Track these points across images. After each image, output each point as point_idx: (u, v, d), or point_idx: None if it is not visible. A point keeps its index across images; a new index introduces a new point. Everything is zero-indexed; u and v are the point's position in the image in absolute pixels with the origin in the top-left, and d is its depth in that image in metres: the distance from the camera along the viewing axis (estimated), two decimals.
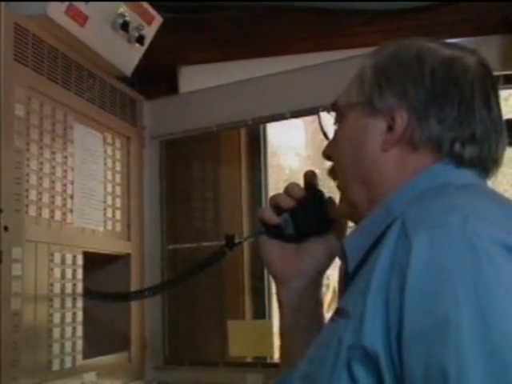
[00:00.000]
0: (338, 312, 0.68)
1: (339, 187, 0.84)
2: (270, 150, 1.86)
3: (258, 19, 1.73)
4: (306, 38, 1.73)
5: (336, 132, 0.83)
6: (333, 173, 0.85)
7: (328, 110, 0.84)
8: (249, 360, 1.60)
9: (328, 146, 0.85)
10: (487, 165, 0.74)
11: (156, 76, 1.81)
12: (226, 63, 1.80)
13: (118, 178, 1.54)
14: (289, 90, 1.52)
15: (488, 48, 1.39)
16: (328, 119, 0.84)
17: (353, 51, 1.49)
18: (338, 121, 0.82)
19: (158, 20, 1.52)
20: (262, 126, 1.79)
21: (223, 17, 1.74)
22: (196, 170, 1.81)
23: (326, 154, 0.85)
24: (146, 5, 1.47)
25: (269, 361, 1.54)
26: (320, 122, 0.85)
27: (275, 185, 1.90)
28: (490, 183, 0.79)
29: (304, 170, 0.93)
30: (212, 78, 1.74)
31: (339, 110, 0.81)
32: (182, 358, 1.63)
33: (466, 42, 1.49)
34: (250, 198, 1.77)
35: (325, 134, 0.85)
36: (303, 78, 1.50)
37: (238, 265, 1.69)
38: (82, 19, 1.30)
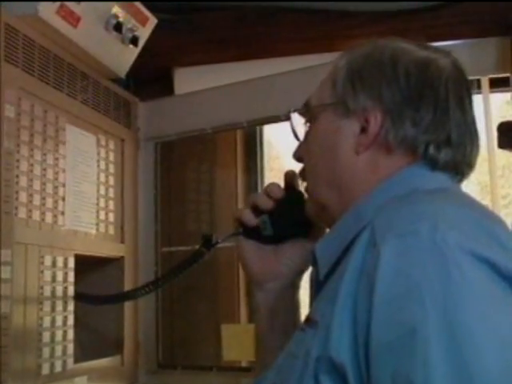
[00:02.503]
0: (307, 321, 0.67)
1: (307, 189, 0.82)
2: (272, 152, 1.85)
3: (254, 21, 1.72)
4: (303, 39, 1.72)
5: (307, 133, 0.81)
6: (303, 174, 0.83)
7: (300, 110, 0.82)
8: (243, 364, 1.59)
9: (299, 148, 0.83)
10: (462, 168, 0.73)
11: (151, 77, 1.81)
12: (221, 65, 1.79)
13: (111, 180, 1.53)
14: (284, 92, 1.50)
15: (486, 50, 1.39)
16: (300, 119, 0.83)
17: None
18: (309, 121, 0.81)
19: (153, 21, 1.50)
20: (258, 128, 1.78)
21: (219, 18, 1.73)
22: (191, 173, 1.80)
23: (297, 156, 0.83)
24: (139, 5, 1.45)
25: None
26: (291, 123, 0.83)
27: None
28: (490, 186, 0.77)
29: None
30: (207, 80, 1.72)
31: (311, 110, 0.80)
32: (175, 362, 1.62)
33: (463, 44, 1.48)
34: (246, 201, 1.76)
35: (296, 135, 0.83)
36: (299, 80, 1.49)
37: (233, 268, 1.67)
38: (74, 20, 1.29)
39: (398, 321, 0.54)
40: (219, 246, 0.98)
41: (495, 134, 1.34)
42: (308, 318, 0.67)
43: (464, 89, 0.74)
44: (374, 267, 0.57)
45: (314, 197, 0.79)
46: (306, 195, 0.85)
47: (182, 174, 1.78)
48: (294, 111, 0.83)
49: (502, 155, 1.48)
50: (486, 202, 1.42)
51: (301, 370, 0.61)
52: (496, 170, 1.44)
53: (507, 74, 1.38)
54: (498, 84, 1.41)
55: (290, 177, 0.89)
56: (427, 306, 0.53)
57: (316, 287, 0.73)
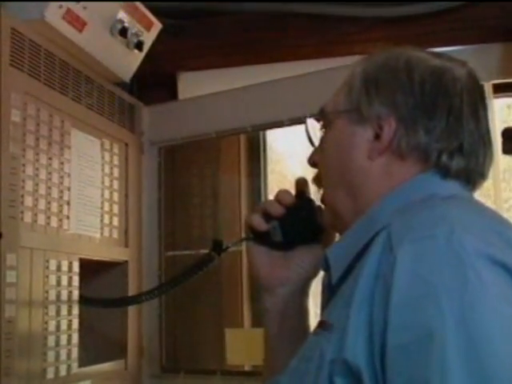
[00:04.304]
0: (321, 325, 0.67)
1: (323, 196, 0.83)
2: (274, 156, 1.85)
3: (257, 26, 1.72)
4: (306, 44, 1.72)
5: (322, 138, 0.82)
6: (317, 181, 0.84)
7: (315, 116, 0.83)
8: (247, 369, 1.59)
9: (314, 153, 0.84)
10: (474, 177, 0.74)
11: (155, 82, 1.81)
12: (225, 69, 1.79)
13: (115, 184, 1.53)
14: (288, 97, 1.51)
15: (488, 56, 1.39)
16: (316, 125, 0.83)
17: (353, 58, 1.46)
18: (324, 127, 0.82)
19: (157, 26, 1.51)
20: (261, 133, 1.78)
21: (223, 23, 1.74)
22: (195, 177, 1.80)
23: (312, 161, 0.84)
24: (145, 10, 1.46)
25: None
26: (306, 129, 0.84)
27: None
28: (493, 190, 0.78)
29: (308, 178, 0.91)
30: (211, 85, 1.73)
31: (326, 116, 0.81)
32: (179, 366, 1.62)
33: (466, 49, 1.48)
34: (250, 205, 1.76)
35: (311, 141, 0.84)
36: (303, 85, 1.49)
37: (237, 272, 1.68)
38: (79, 25, 1.29)
39: (415, 325, 0.54)
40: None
41: (498, 138, 1.35)
42: (322, 322, 0.67)
43: (478, 98, 0.75)
44: (390, 271, 0.58)
45: (329, 202, 0.80)
46: (316, 202, 0.86)
47: (186, 178, 1.78)
48: (310, 116, 0.84)
49: (503, 159, 1.49)
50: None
51: (315, 373, 0.62)
52: (499, 174, 1.45)
53: (511, 80, 1.38)
54: (500, 89, 1.41)
55: (300, 184, 0.90)
56: (444, 310, 0.53)
57: (328, 292, 0.74)
